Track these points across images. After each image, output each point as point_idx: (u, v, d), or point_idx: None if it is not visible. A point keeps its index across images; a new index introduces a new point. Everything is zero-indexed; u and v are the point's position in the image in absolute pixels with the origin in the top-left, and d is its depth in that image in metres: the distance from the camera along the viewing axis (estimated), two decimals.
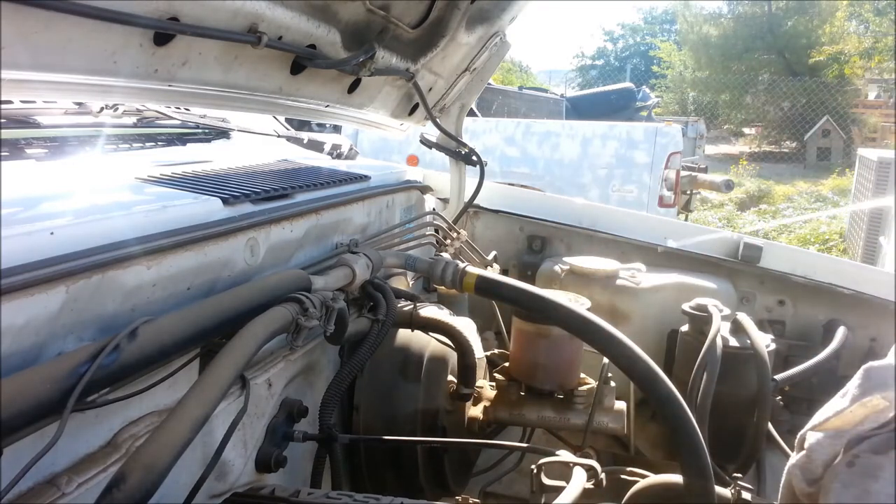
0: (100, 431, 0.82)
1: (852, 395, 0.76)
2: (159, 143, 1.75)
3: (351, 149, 2.42)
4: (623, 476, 1.20)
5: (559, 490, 0.95)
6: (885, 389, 0.73)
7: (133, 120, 1.79)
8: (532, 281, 1.92)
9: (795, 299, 1.90)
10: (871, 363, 0.79)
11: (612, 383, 1.34)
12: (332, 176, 1.52)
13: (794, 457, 0.82)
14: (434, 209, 1.94)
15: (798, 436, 0.82)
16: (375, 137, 5.62)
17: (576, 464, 1.00)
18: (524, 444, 1.33)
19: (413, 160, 5.24)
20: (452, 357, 1.35)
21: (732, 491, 1.01)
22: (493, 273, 1.31)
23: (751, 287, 1.93)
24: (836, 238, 8.30)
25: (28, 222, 0.80)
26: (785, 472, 0.85)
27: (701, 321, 1.55)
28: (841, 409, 0.76)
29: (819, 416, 0.79)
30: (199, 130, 1.98)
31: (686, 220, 6.81)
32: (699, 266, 1.93)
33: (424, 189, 1.96)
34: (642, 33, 34.05)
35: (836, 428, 0.74)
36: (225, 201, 1.09)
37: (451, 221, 1.82)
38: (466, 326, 1.39)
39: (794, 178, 13.08)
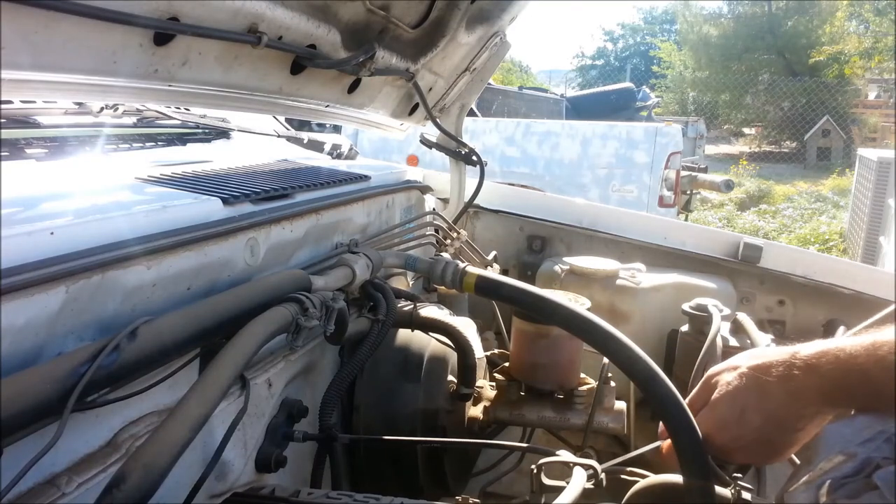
0: (100, 431, 0.82)
1: (816, 456, 0.81)
2: (159, 143, 1.75)
3: (351, 149, 2.42)
4: (623, 476, 1.20)
5: (559, 490, 0.95)
6: (845, 447, 0.77)
7: (133, 120, 1.80)
8: (532, 281, 1.92)
9: (795, 299, 1.90)
10: (828, 424, 0.84)
11: (612, 383, 1.34)
12: (332, 176, 1.52)
13: None
14: (434, 209, 1.94)
15: (775, 498, 0.85)
16: (375, 137, 5.62)
17: (576, 464, 1.00)
18: (524, 444, 1.33)
19: (413, 160, 5.24)
20: (452, 357, 1.35)
21: (732, 491, 1.01)
22: (493, 273, 1.30)
23: (751, 287, 1.93)
24: (836, 238, 8.30)
25: (28, 222, 0.80)
26: None
27: (701, 321, 1.55)
28: (808, 469, 0.80)
29: (792, 480, 0.83)
30: (199, 130, 1.98)
31: (686, 220, 6.81)
32: (699, 266, 1.93)
33: (424, 189, 1.96)
34: (642, 33, 34.07)
35: (806, 483, 0.78)
36: (225, 201, 1.09)
37: (451, 221, 1.82)
38: (466, 326, 1.39)
39: (794, 178, 13.09)
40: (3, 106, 1.49)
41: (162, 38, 0.97)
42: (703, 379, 0.98)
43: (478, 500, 0.97)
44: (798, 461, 0.87)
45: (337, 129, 5.04)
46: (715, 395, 0.93)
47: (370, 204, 1.58)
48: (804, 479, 0.79)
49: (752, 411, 0.87)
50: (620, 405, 1.36)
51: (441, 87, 1.92)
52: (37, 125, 1.50)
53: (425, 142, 2.00)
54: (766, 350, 0.92)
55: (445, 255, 1.57)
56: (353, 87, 1.55)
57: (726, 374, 0.93)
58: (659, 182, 5.59)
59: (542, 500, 1.03)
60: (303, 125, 3.60)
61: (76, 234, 0.81)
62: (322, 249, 1.35)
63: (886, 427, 0.75)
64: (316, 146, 2.35)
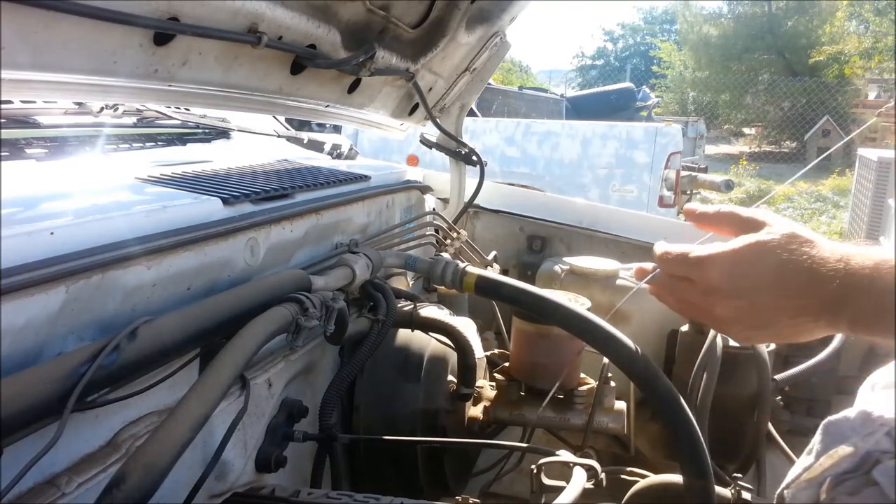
0: (100, 431, 0.82)
1: (817, 451, 0.80)
2: (159, 143, 1.75)
3: (351, 149, 2.42)
4: (623, 476, 1.20)
5: (559, 490, 0.95)
6: (845, 441, 0.77)
7: (133, 120, 1.80)
8: (532, 281, 1.92)
9: None
10: (829, 418, 0.82)
11: (612, 383, 1.34)
12: (332, 176, 1.52)
13: None
14: (434, 209, 1.94)
15: (776, 494, 0.84)
16: (375, 137, 5.62)
17: (576, 464, 1.00)
18: (524, 444, 1.33)
19: (413, 160, 5.25)
20: (452, 357, 1.35)
21: (732, 491, 1.01)
22: (493, 273, 1.30)
23: None
24: (837, 238, 8.31)
25: (28, 222, 0.80)
26: None
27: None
28: (809, 465, 0.80)
29: (791, 475, 0.82)
30: (199, 130, 1.98)
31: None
32: None
33: (424, 189, 1.96)
34: (642, 33, 34.09)
35: (807, 480, 0.78)
36: (225, 201, 1.09)
37: (451, 221, 1.82)
38: (466, 326, 1.39)
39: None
40: (3, 106, 1.49)
41: (162, 38, 0.97)
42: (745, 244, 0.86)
43: (478, 500, 0.97)
44: (796, 459, 0.87)
45: (337, 129, 5.04)
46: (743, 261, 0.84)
47: (370, 204, 1.58)
48: (805, 476, 0.79)
49: (767, 289, 0.81)
50: (620, 405, 1.36)
51: (441, 87, 1.92)
52: (37, 125, 1.50)
53: (425, 142, 2.00)
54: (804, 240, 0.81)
55: (445, 255, 1.57)
56: (353, 87, 1.55)
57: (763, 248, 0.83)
58: (659, 182, 5.60)
59: (542, 500, 1.03)
60: (303, 125, 3.60)
61: (76, 234, 0.81)
62: (322, 249, 1.35)
63: (886, 421, 0.75)
64: (316, 146, 2.35)
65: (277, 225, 1.18)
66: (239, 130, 2.09)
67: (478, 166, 1.96)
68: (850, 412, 0.81)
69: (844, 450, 0.76)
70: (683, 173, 6.08)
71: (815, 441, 0.82)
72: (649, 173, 5.60)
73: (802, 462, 0.82)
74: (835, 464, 0.75)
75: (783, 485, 0.83)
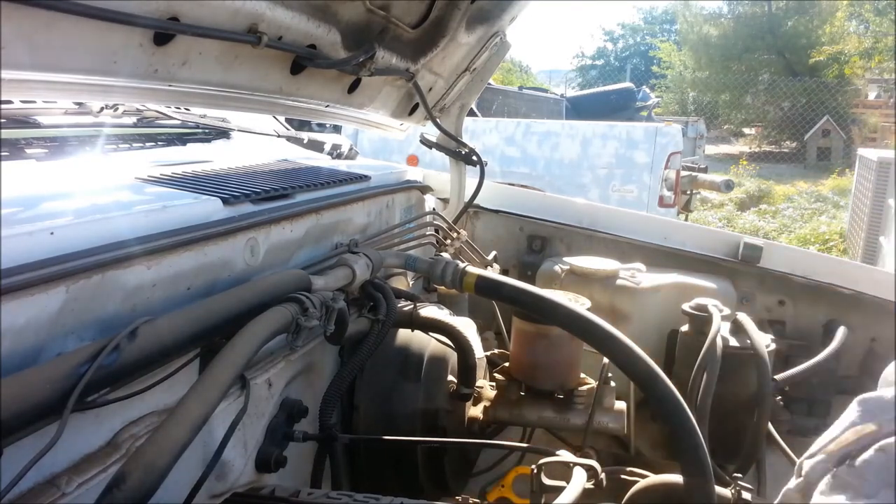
0: (100, 431, 0.82)
1: (846, 424, 0.80)
2: (159, 143, 1.75)
3: (351, 149, 2.42)
4: (623, 476, 1.20)
5: (559, 490, 0.95)
6: (877, 418, 0.76)
7: (133, 120, 1.79)
8: (532, 281, 1.92)
9: (795, 299, 1.90)
10: (864, 395, 0.82)
11: (612, 383, 1.34)
12: (332, 176, 1.52)
13: (793, 481, 0.84)
14: (434, 209, 1.94)
15: (797, 464, 0.84)
16: (375, 137, 5.62)
17: (576, 464, 1.00)
18: (524, 444, 1.33)
19: (413, 160, 5.24)
20: (452, 357, 1.35)
21: (732, 491, 1.01)
22: (493, 273, 1.30)
23: (751, 287, 1.93)
24: (836, 238, 8.30)
25: (28, 222, 0.80)
26: (781, 495, 0.86)
27: (701, 321, 1.55)
28: (835, 436, 0.80)
29: (815, 446, 0.81)
30: (199, 130, 1.98)
31: (686, 220, 6.81)
32: (699, 266, 1.92)
33: (424, 189, 1.96)
34: (642, 33, 34.07)
35: (829, 452, 0.77)
36: (225, 201, 1.09)
37: (451, 221, 1.82)
38: (466, 326, 1.39)
39: (794, 178, 13.09)
40: (3, 106, 1.49)
41: (162, 38, 0.97)
42: None
43: (478, 500, 0.97)
44: (797, 459, 0.87)
45: (337, 129, 5.03)
46: None
47: (370, 204, 1.58)
48: (828, 447, 0.78)
49: None
50: (620, 405, 1.36)
51: (441, 87, 1.92)
52: (37, 125, 1.50)
53: (425, 142, 2.00)
54: None
55: (445, 255, 1.57)
56: (353, 87, 1.55)
57: None
58: (659, 182, 5.59)
59: (542, 501, 1.03)
60: (303, 125, 3.60)
61: (76, 234, 0.81)
62: (322, 249, 1.35)
63: None
64: (316, 146, 2.35)
65: (277, 225, 1.18)
66: (239, 130, 2.09)
67: (478, 166, 1.96)
68: (885, 392, 0.81)
69: (869, 427, 0.75)
70: (683, 173, 6.07)
71: (850, 413, 0.81)
72: (649, 173, 5.60)
73: (830, 433, 0.82)
74: (858, 439, 0.75)
75: (806, 454, 0.83)
